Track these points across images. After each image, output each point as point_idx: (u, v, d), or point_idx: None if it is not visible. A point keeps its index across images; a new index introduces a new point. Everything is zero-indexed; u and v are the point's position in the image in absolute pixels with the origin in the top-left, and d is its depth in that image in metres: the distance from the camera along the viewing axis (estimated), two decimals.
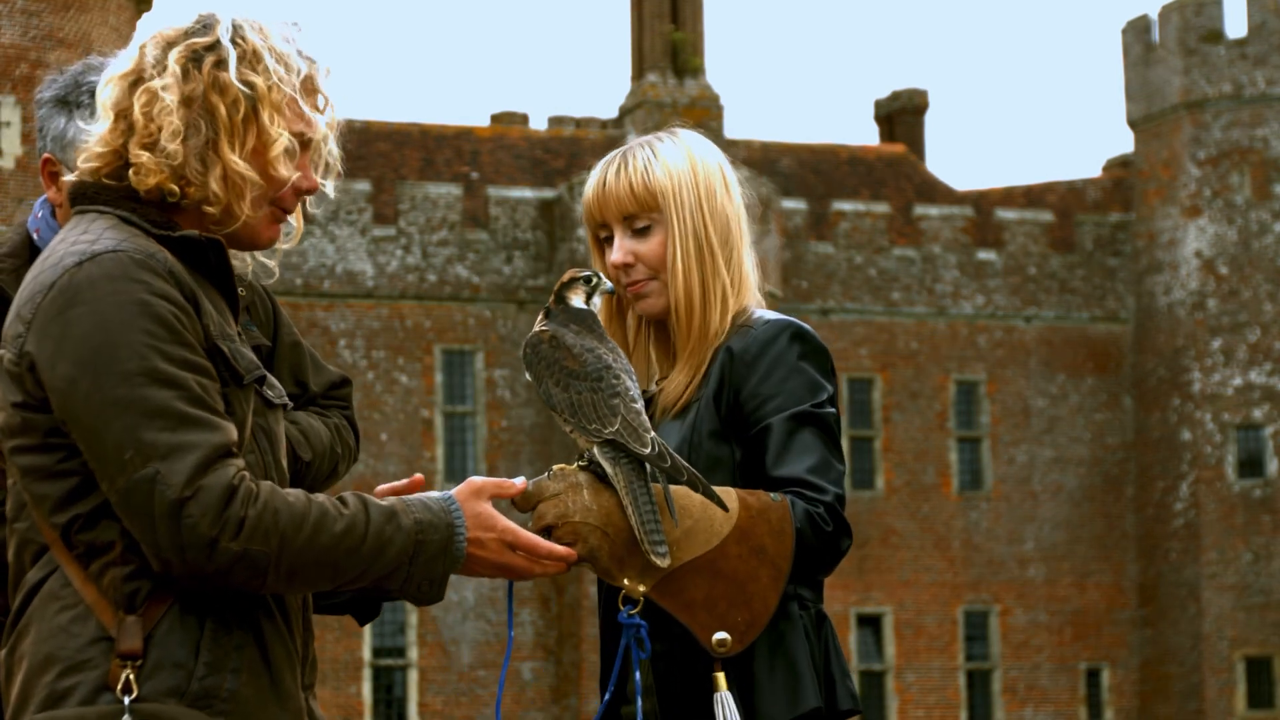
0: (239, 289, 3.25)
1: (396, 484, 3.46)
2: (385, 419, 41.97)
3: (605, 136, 45.71)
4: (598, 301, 3.58)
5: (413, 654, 41.79)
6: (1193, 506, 45.60)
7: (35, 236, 4.11)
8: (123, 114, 3.15)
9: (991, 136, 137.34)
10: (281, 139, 3.16)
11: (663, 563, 3.34)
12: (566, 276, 3.56)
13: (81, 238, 3.11)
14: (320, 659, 40.30)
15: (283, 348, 4.27)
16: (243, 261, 3.56)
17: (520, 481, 3.34)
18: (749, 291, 3.69)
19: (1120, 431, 47.02)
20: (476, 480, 3.24)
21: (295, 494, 3.07)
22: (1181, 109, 46.85)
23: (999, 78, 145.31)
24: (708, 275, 3.64)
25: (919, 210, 46.64)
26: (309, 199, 3.31)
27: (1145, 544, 46.56)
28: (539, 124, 47.82)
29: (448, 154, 45.20)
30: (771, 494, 3.47)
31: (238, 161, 3.14)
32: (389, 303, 42.65)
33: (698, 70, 44.39)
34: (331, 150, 3.29)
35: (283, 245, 3.32)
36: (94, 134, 3.19)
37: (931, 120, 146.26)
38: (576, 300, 3.53)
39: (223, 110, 3.13)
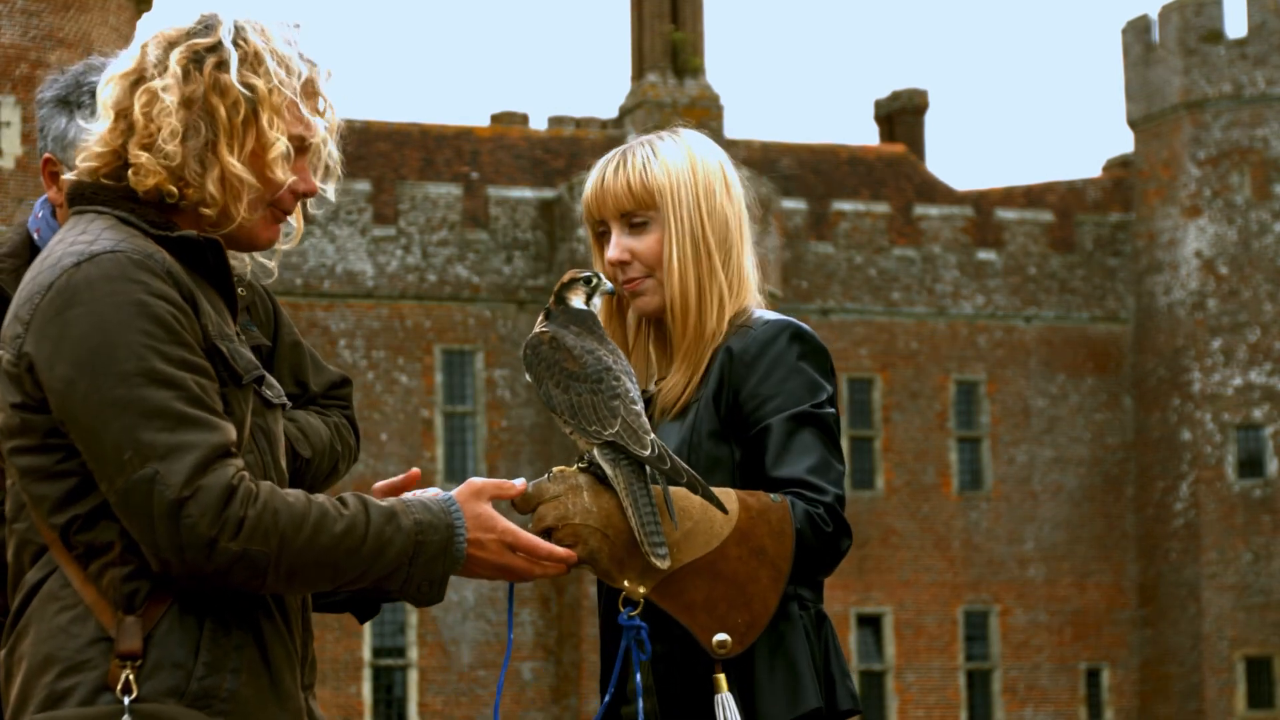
0: (239, 289, 3.25)
1: (393, 480, 3.47)
2: (385, 419, 41.97)
3: (605, 136, 45.71)
4: (598, 302, 3.58)
5: (413, 654, 41.79)
6: (1193, 506, 45.60)
7: (35, 236, 4.11)
8: (123, 113, 3.15)
9: (991, 136, 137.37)
10: (279, 143, 3.16)
11: (663, 564, 3.34)
12: (566, 277, 3.56)
13: (80, 238, 3.10)
14: (320, 659, 40.30)
15: (283, 348, 4.27)
16: (241, 261, 3.56)
17: (520, 483, 3.33)
18: (749, 292, 3.68)
19: (1120, 431, 47.02)
20: (476, 481, 3.24)
21: (295, 494, 3.07)
22: (1181, 109, 46.85)
23: (999, 78, 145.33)
24: (704, 275, 3.64)
25: (919, 210, 46.65)
26: (309, 201, 3.30)
27: (1145, 544, 46.56)
28: (539, 124, 47.83)
29: (448, 154, 45.20)
30: (771, 495, 3.47)
31: (235, 164, 3.14)
32: (389, 303, 42.65)
33: (698, 70, 44.39)
34: (331, 153, 3.29)
35: (282, 246, 3.32)
36: (94, 133, 3.19)
37: (931, 120, 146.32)
38: (576, 301, 3.53)
39: (223, 112, 3.13)
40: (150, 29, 3.21)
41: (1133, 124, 48.16)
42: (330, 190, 3.32)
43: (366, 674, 41.48)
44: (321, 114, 3.25)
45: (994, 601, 45.69)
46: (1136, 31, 48.48)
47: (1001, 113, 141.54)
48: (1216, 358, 45.73)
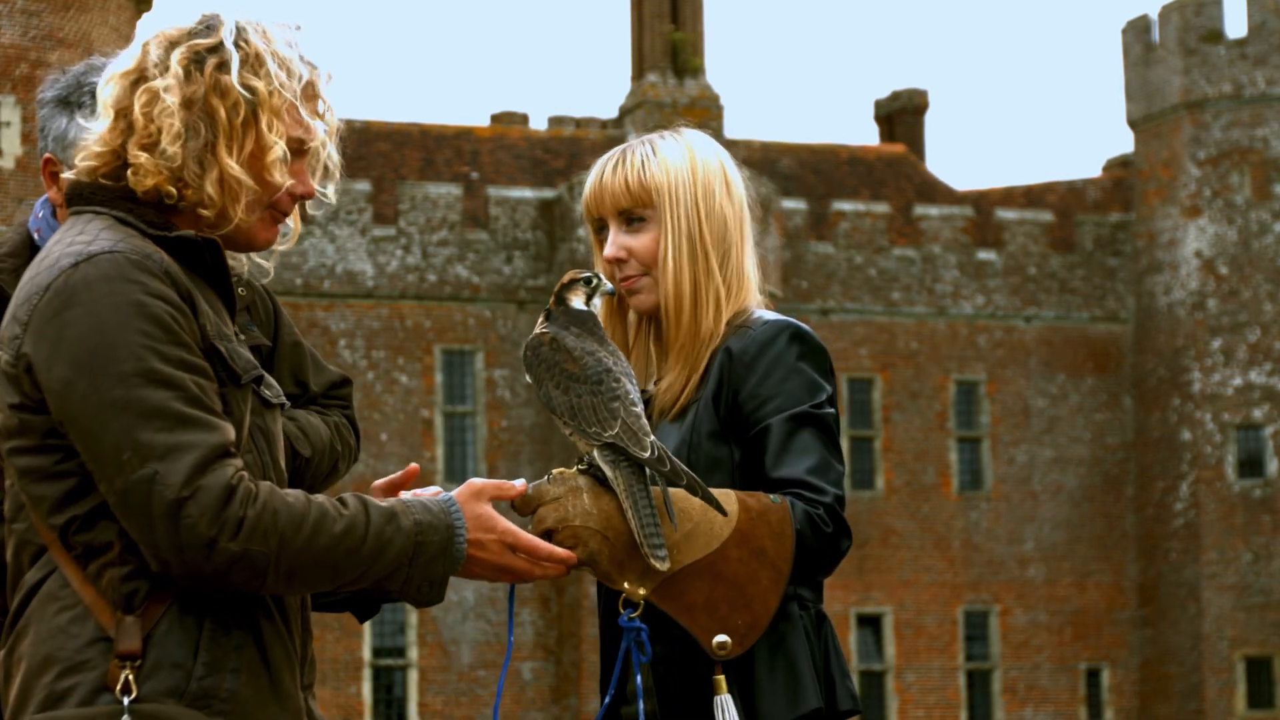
0: (240, 289, 3.25)
1: (393, 476, 3.47)
2: (385, 419, 41.97)
3: (605, 136, 45.70)
4: (598, 303, 3.57)
5: (413, 654, 41.79)
6: (1193, 506, 45.60)
7: (36, 236, 4.11)
8: (123, 113, 3.14)
9: (991, 136, 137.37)
10: (278, 146, 3.15)
11: (662, 566, 3.33)
12: (567, 278, 3.55)
13: (78, 239, 3.10)
14: (320, 659, 40.29)
15: (283, 348, 4.28)
16: (238, 261, 3.56)
17: (520, 483, 3.33)
18: (749, 292, 3.67)
19: (1120, 431, 47.02)
20: (476, 482, 3.23)
21: (294, 494, 3.07)
22: (1181, 109, 46.85)
23: (999, 78, 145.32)
24: (699, 275, 3.63)
25: (919, 210, 46.65)
26: (308, 202, 3.30)
27: (1145, 544, 46.56)
28: (539, 124, 47.83)
29: (448, 154, 45.20)
30: (771, 495, 3.46)
31: (234, 166, 3.13)
32: (389, 303, 42.65)
33: (698, 70, 44.39)
34: (331, 155, 3.29)
35: (279, 247, 3.32)
36: (94, 132, 3.18)
37: (931, 120, 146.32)
38: (577, 302, 3.52)
39: (223, 114, 3.13)
40: (150, 28, 3.21)
41: (1133, 124, 48.16)
42: (330, 191, 3.32)
43: (366, 674, 41.48)
44: (321, 116, 3.24)
45: (994, 601, 45.69)
46: (1136, 31, 48.48)
47: (1001, 113, 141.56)
48: (1216, 358, 45.73)
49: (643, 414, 3.39)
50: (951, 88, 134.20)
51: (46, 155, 4.11)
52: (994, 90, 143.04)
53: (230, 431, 3.04)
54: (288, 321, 4.30)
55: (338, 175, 3.31)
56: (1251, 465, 45.47)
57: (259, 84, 3.14)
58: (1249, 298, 45.80)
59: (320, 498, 3.09)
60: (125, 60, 3.18)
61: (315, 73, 3.24)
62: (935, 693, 44.86)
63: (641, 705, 3.43)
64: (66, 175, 3.23)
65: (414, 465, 3.54)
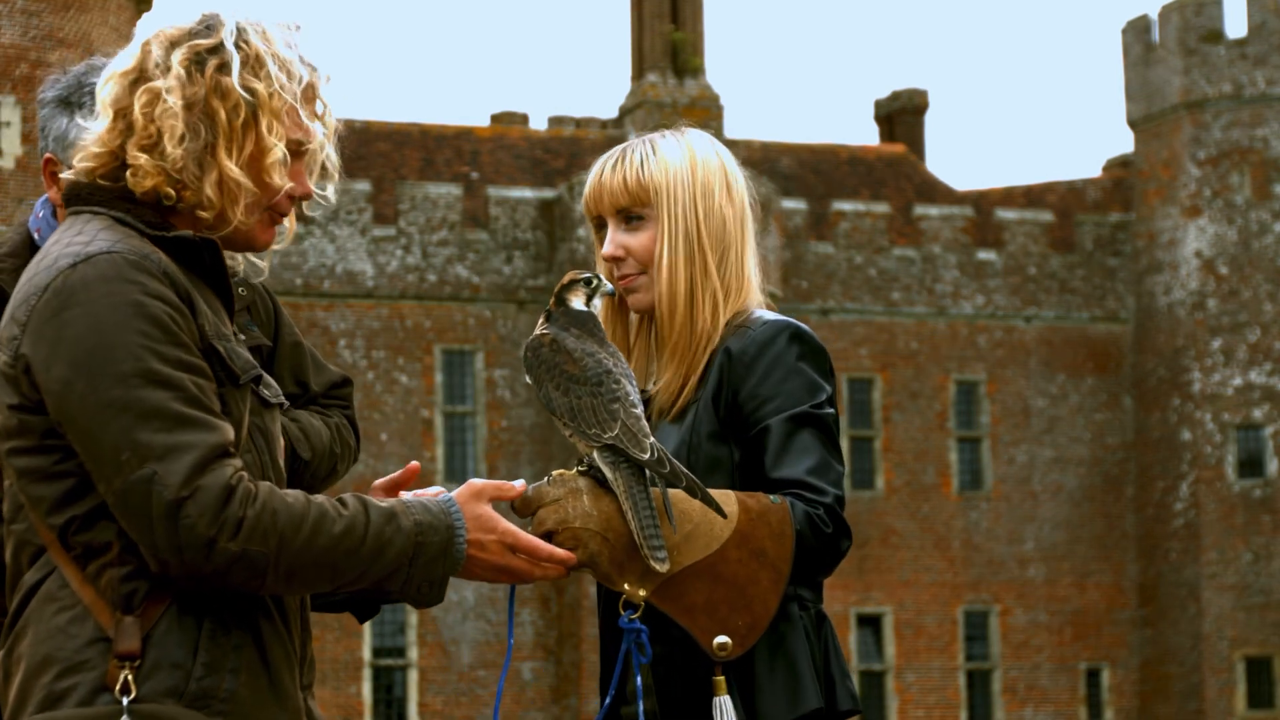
0: (240, 289, 3.25)
1: (393, 475, 3.46)
2: (385, 419, 41.97)
3: (605, 136, 45.70)
4: (598, 304, 3.57)
5: (413, 654, 41.78)
6: (1193, 506, 45.60)
7: (36, 236, 4.11)
8: (122, 113, 3.14)
9: (991, 136, 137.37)
10: (278, 148, 3.15)
11: (662, 567, 3.33)
12: (567, 278, 3.55)
13: (76, 239, 3.09)
14: (320, 659, 40.28)
15: (284, 348, 4.28)
16: (235, 260, 3.56)
17: (520, 484, 3.33)
18: (749, 293, 3.67)
19: (1120, 431, 47.02)
20: (476, 483, 3.23)
21: (294, 494, 3.07)
22: (1181, 109, 46.85)
23: (999, 78, 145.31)
24: (696, 274, 3.62)
25: (919, 210, 46.65)
26: (305, 202, 3.30)
27: (1145, 544, 46.56)
28: (539, 124, 47.83)
29: (448, 154, 45.20)
30: (771, 496, 3.46)
31: (233, 168, 3.13)
32: (389, 303, 42.65)
33: (698, 70, 44.39)
34: (330, 156, 3.28)
35: (275, 246, 3.31)
36: (93, 131, 3.18)
37: (931, 120, 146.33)
38: (577, 302, 3.52)
39: (223, 116, 3.12)
40: (150, 29, 3.20)
41: (1133, 124, 48.16)
42: (329, 192, 3.32)
43: (366, 674, 41.48)
44: (320, 118, 3.24)
45: (994, 601, 45.69)
46: (1136, 31, 48.48)
47: (1001, 113, 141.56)
48: (1216, 358, 45.73)
49: (643, 416, 3.39)
50: (951, 88, 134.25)
51: (47, 155, 4.11)
52: (994, 90, 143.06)
53: (229, 431, 3.04)
54: (288, 321, 4.30)
55: (336, 176, 3.31)
56: (1251, 465, 45.47)
57: (259, 86, 3.14)
58: (1249, 298, 45.80)
59: (320, 498, 3.08)
60: (125, 60, 3.17)
61: (315, 74, 3.23)
62: (935, 693, 44.86)
63: (641, 705, 3.43)
64: (65, 175, 3.22)
65: (415, 464, 3.53)
